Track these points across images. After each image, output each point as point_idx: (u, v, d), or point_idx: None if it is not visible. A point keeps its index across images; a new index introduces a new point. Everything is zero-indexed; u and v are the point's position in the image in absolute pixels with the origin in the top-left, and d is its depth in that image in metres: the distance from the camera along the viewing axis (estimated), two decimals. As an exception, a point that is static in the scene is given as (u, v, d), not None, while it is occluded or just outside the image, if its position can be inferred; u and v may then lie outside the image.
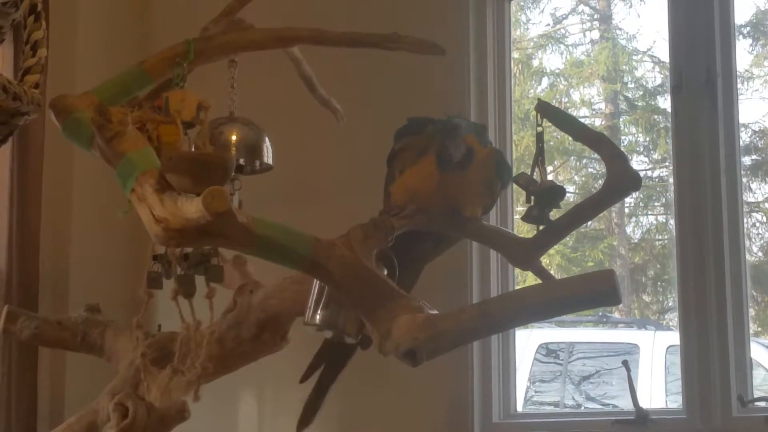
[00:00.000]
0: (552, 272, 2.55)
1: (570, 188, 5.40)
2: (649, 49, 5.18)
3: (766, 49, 4.98)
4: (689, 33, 3.57)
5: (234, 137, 2.75)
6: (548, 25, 5.50)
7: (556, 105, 4.60)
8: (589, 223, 4.80)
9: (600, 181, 2.66)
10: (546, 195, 2.42)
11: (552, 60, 5.59)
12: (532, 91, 5.35)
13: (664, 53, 4.10)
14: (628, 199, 5.19)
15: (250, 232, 1.89)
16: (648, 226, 5.42)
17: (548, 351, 5.19)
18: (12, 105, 2.36)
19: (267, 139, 2.82)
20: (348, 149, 3.74)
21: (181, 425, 2.50)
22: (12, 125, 2.44)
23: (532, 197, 2.43)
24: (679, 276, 3.49)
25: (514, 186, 2.75)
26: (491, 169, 2.46)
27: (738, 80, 3.62)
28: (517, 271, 3.70)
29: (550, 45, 5.57)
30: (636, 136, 5.31)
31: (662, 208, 5.16)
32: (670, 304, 5.19)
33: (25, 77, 2.45)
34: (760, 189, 4.89)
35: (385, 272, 2.17)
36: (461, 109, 3.73)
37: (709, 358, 3.38)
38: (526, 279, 3.90)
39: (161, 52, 2.46)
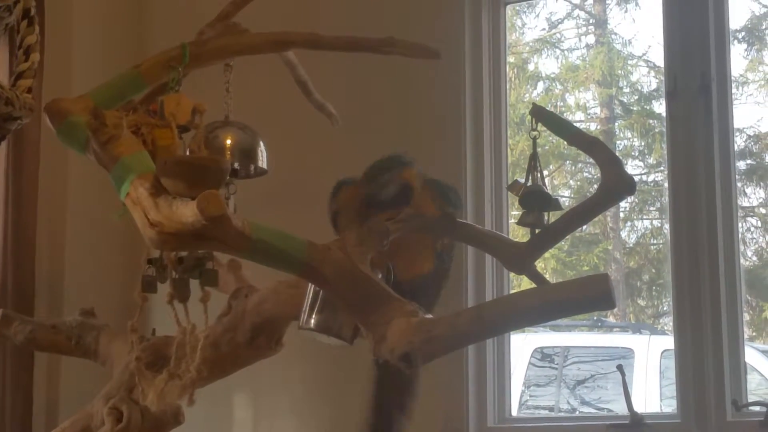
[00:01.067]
0: (547, 276, 2.55)
1: (565, 193, 5.40)
2: (644, 54, 5.18)
3: (761, 54, 4.98)
4: (684, 38, 3.57)
5: (229, 141, 2.75)
6: (544, 29, 5.50)
7: (551, 109, 4.60)
8: (584, 227, 4.79)
9: (595, 186, 2.66)
10: (536, 199, 2.42)
11: (547, 64, 5.58)
12: (527, 95, 5.35)
13: (659, 58, 4.10)
14: (623, 204, 5.19)
15: (245, 236, 1.89)
16: (643, 230, 5.42)
17: (543, 355, 5.19)
18: (4, 110, 2.36)
19: (262, 144, 2.82)
20: (343, 154, 3.74)
21: (176, 429, 2.50)
22: (4, 130, 2.44)
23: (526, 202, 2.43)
24: (674, 280, 3.50)
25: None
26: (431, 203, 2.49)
27: (733, 85, 3.63)
28: (512, 275, 3.70)
29: (545, 49, 5.56)
30: (631, 140, 5.31)
31: (657, 212, 5.15)
32: (665, 308, 5.19)
33: (17, 82, 2.45)
34: (754, 193, 4.89)
35: (380, 276, 2.17)
36: (456, 112, 3.74)
37: (703, 363, 3.39)
38: (521, 283, 3.90)
39: (156, 56, 2.45)
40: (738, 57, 4.80)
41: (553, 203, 2.43)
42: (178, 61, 2.41)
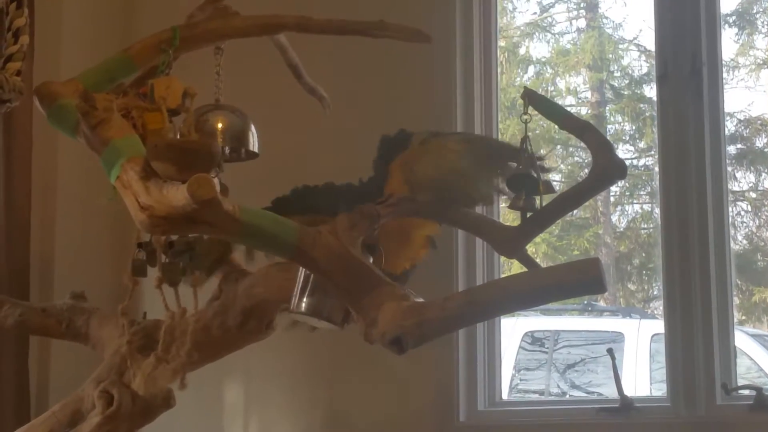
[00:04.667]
0: (538, 261, 2.55)
1: (556, 177, 5.40)
2: (635, 38, 5.18)
3: (752, 38, 4.98)
4: (675, 22, 3.57)
5: (219, 125, 2.74)
6: (535, 13, 5.49)
7: (543, 93, 4.59)
8: (575, 211, 4.80)
9: (586, 170, 2.66)
10: (522, 183, 2.41)
11: (538, 48, 5.59)
12: (518, 79, 5.35)
13: (650, 42, 4.10)
14: (613, 188, 5.19)
15: (236, 220, 1.89)
16: (633, 214, 5.42)
17: (534, 339, 5.19)
18: (-7, 93, 2.36)
19: (253, 127, 2.82)
20: (334, 137, 3.74)
21: (167, 413, 2.50)
22: (-6, 113, 2.43)
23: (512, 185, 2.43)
24: (664, 265, 3.50)
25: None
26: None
27: (724, 69, 3.63)
28: (503, 259, 3.70)
29: (536, 33, 5.56)
30: (622, 124, 5.31)
31: (648, 196, 5.16)
32: (655, 292, 5.20)
33: (6, 65, 2.44)
34: (744, 178, 4.90)
35: (371, 260, 2.17)
36: (447, 95, 3.73)
37: (693, 347, 3.40)
38: (511, 267, 3.90)
39: (146, 39, 2.45)
40: (729, 41, 4.80)
41: (541, 187, 2.42)
42: (168, 44, 2.40)
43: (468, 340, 3.63)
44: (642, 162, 5.17)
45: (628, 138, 5.24)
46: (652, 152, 4.78)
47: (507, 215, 3.82)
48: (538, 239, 4.26)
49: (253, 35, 2.63)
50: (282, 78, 2.97)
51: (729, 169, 3.76)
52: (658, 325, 3.90)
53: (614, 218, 5.51)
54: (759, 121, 4.77)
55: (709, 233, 3.43)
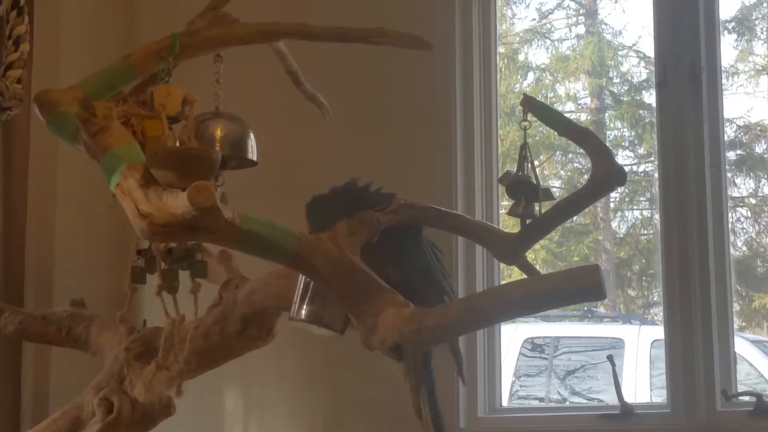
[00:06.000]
0: (537, 267, 2.55)
1: (555, 183, 5.40)
2: (634, 44, 5.19)
3: (751, 44, 4.99)
4: (674, 28, 3.58)
5: (219, 132, 2.74)
6: (534, 20, 5.49)
7: (542, 100, 4.59)
8: (575, 217, 4.80)
9: (585, 176, 2.66)
10: (522, 189, 2.41)
11: (538, 55, 5.58)
12: (517, 85, 5.35)
13: (649, 48, 4.10)
14: (613, 194, 5.19)
15: (236, 228, 1.89)
16: (633, 220, 5.42)
17: (534, 345, 5.19)
18: (-6, 100, 2.36)
19: (252, 135, 2.81)
20: (333, 144, 3.74)
21: (167, 420, 2.49)
22: (-5, 120, 2.44)
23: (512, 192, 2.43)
24: (664, 271, 3.51)
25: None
26: None
27: (723, 75, 3.63)
28: (503, 266, 3.71)
29: (535, 40, 5.56)
30: (621, 130, 5.31)
31: (647, 203, 5.16)
32: (655, 298, 5.20)
33: (7, 72, 2.45)
34: (744, 184, 4.90)
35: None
36: (446, 102, 3.73)
37: (693, 353, 3.40)
38: (511, 274, 3.90)
39: (146, 47, 2.44)
40: (728, 47, 4.81)
41: (540, 193, 2.43)
42: (168, 52, 2.40)
43: (468, 347, 3.62)
44: (642, 168, 5.17)
45: (627, 144, 5.24)
46: (652, 158, 4.78)
47: (506, 222, 3.82)
48: (537, 246, 4.26)
49: (253, 42, 2.63)
50: (281, 85, 2.98)
51: (728, 175, 3.76)
52: (658, 331, 3.90)
53: (614, 224, 5.51)
54: (758, 127, 4.77)
55: (709, 239, 3.44)
